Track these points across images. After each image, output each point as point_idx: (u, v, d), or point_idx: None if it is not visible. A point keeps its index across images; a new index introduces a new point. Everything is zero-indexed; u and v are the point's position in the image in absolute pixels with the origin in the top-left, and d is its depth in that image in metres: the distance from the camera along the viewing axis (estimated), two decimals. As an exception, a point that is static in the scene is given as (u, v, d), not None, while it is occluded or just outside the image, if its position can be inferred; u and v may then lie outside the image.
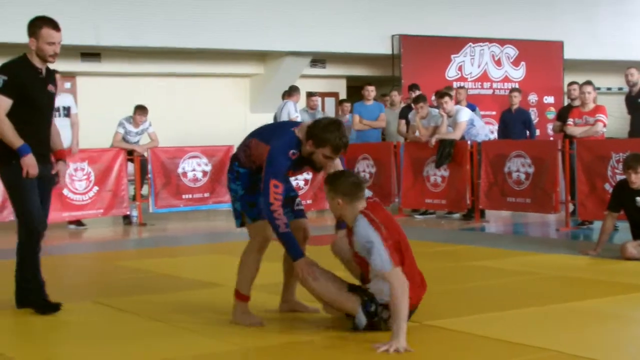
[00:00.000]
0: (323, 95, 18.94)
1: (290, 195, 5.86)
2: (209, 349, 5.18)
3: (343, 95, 19.57)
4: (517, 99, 14.01)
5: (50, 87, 6.36)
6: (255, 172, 5.69)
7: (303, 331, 5.57)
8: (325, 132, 5.44)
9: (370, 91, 14.78)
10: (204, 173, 13.51)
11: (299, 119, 14.52)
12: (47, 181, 6.42)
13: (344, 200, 5.32)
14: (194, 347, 5.24)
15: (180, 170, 13.34)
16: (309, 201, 13.93)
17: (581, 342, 5.20)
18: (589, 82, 11.84)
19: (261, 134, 5.76)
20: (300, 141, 5.55)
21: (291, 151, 5.51)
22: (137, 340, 5.43)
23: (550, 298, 6.58)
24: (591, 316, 5.96)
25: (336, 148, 5.46)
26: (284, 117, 14.55)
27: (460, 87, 15.18)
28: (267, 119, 15.98)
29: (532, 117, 18.88)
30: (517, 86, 17.03)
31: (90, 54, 16.49)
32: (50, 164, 6.44)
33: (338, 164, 5.73)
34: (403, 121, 13.83)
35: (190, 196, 13.42)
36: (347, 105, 16.11)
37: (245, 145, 5.77)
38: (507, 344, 5.12)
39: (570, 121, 11.81)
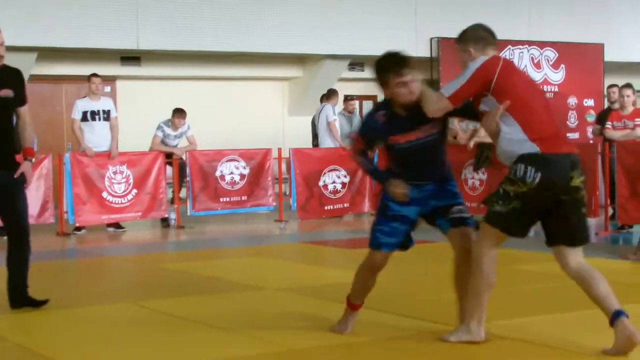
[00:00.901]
0: (361, 98, 18.91)
1: (440, 205, 5.48)
2: (249, 351, 5.20)
3: (381, 98, 19.44)
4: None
5: (4, 92, 6.21)
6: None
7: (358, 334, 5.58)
8: (379, 68, 5.52)
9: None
10: (242, 176, 13.52)
11: (337, 123, 14.53)
12: (7, 186, 6.28)
13: (475, 49, 5.17)
14: (234, 349, 5.26)
15: (218, 174, 13.36)
16: (346, 204, 13.92)
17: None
18: (628, 85, 11.74)
19: None
20: (388, 100, 5.56)
21: (379, 113, 5.57)
22: (177, 342, 5.47)
23: (590, 302, 6.51)
24: (632, 321, 5.90)
25: (395, 71, 5.39)
26: (322, 121, 14.54)
27: None
28: (306, 122, 16.03)
29: (572, 120, 18.63)
30: (555, 89, 16.89)
31: (130, 57, 16.59)
32: (10, 168, 6.30)
33: (422, 89, 5.45)
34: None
35: (228, 199, 13.45)
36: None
37: None
38: (547, 348, 5.10)
39: (608, 124, 11.72)
